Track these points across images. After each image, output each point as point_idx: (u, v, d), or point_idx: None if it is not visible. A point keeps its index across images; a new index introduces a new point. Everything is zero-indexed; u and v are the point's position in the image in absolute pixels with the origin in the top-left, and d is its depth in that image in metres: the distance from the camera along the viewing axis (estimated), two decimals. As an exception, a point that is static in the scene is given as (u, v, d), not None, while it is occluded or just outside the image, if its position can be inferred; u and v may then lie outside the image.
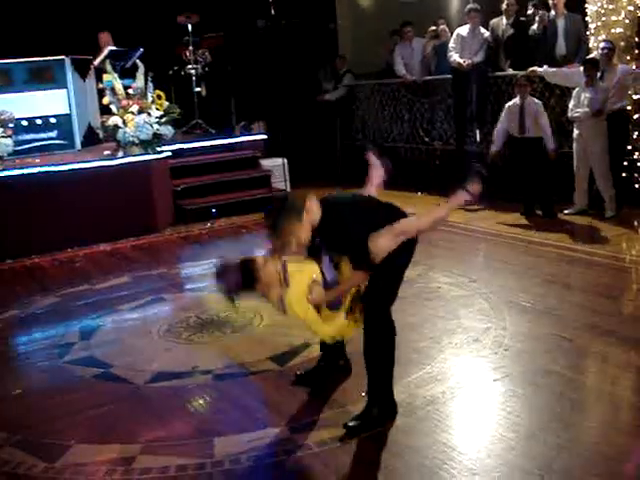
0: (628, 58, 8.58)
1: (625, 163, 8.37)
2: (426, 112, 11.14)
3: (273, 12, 12.81)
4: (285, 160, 10.86)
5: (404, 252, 3.87)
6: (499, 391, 4.24)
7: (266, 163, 10.75)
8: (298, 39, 13.01)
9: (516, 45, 9.81)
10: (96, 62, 10.44)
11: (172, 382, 4.69)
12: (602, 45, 8.26)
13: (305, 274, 3.81)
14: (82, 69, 10.14)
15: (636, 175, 8.42)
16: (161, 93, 9.39)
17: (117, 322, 6.00)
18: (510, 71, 9.71)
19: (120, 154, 9.14)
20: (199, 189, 9.98)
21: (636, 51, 8.66)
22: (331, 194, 4.06)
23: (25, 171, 8.46)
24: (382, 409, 3.95)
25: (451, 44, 10.04)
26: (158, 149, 9.30)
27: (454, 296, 5.90)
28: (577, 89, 8.19)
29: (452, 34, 10.27)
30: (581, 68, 8.21)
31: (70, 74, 9.84)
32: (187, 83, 11.45)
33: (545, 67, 8.80)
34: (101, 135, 10.06)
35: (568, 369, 4.45)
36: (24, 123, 9.57)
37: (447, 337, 5.06)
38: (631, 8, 8.55)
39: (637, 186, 8.41)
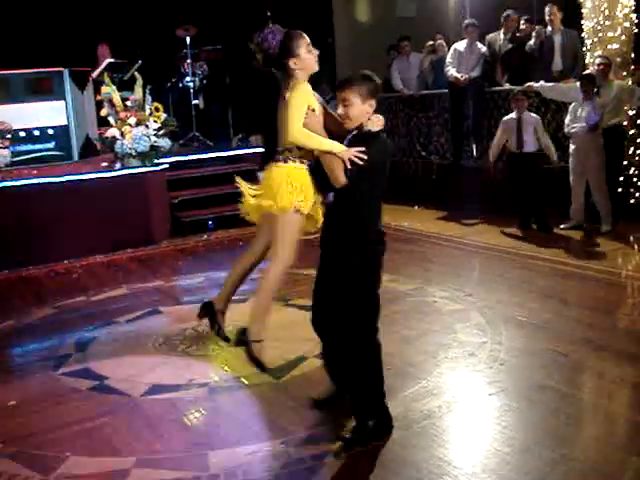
0: (624, 74, 8.64)
1: (621, 178, 8.42)
2: (423, 126, 11.19)
3: (271, 26, 12.90)
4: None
5: (368, 271, 3.85)
6: (494, 405, 4.24)
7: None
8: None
9: (513, 60, 9.87)
10: (94, 74, 10.48)
11: (168, 395, 4.68)
12: (598, 61, 8.32)
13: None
14: (80, 81, 10.16)
15: (632, 190, 8.46)
16: (159, 105, 9.41)
17: (113, 334, 5.99)
18: (507, 86, 9.76)
19: (118, 166, 9.15)
20: (196, 201, 9.99)
21: (632, 67, 8.71)
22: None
23: (22, 182, 8.46)
24: (377, 422, 3.94)
25: (448, 59, 10.09)
26: (155, 161, 9.31)
27: (450, 310, 5.90)
28: (573, 104, 8.23)
29: (449, 49, 10.33)
30: (577, 83, 8.26)
31: (68, 86, 9.87)
32: (185, 95, 11.49)
33: (541, 82, 8.86)
34: (99, 147, 10.09)
35: (563, 384, 4.46)
36: (22, 134, 9.59)
37: (443, 351, 5.07)
38: (627, 24, 8.61)
39: (633, 201, 8.45)
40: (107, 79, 9.39)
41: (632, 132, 8.50)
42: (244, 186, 4.24)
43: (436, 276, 6.92)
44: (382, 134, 3.87)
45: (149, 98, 9.33)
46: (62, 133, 9.90)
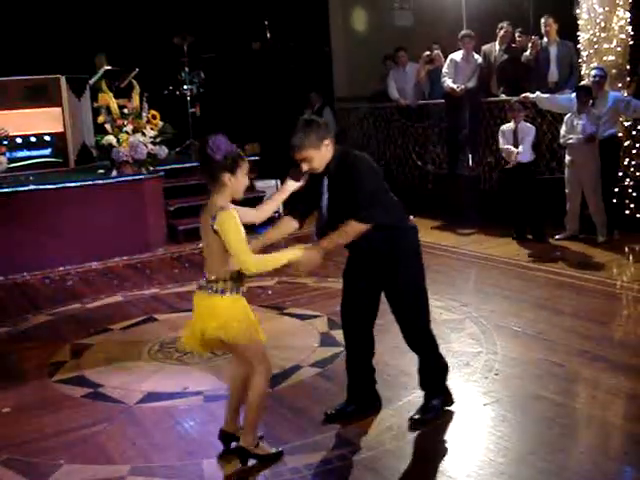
0: (620, 85, 8.66)
1: (616, 189, 8.43)
2: (419, 136, 11.21)
3: (268, 35, 12.93)
4: (279, 182, 10.90)
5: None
6: (489, 415, 4.24)
7: (259, 184, 10.78)
8: (292, 62, 13.10)
9: (508, 71, 9.90)
10: (92, 81, 10.50)
11: (163, 403, 4.68)
12: (594, 72, 8.35)
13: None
14: (77, 88, 10.18)
15: (627, 201, 8.48)
16: (156, 113, 9.43)
17: (108, 341, 5.99)
18: (503, 97, 9.79)
19: (114, 173, 9.16)
20: (192, 209, 9.94)
21: (627, 78, 8.75)
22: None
23: (19, 189, 8.46)
24: (441, 400, 4.24)
25: (445, 69, 10.12)
26: (152, 169, 9.32)
27: (445, 320, 5.91)
28: (569, 115, 8.26)
29: (446, 59, 10.36)
30: (573, 95, 8.29)
31: (65, 93, 9.89)
32: (182, 103, 11.50)
33: (537, 93, 8.88)
34: (95, 154, 10.10)
35: (558, 394, 4.46)
36: (18, 140, 9.61)
37: (438, 361, 5.07)
38: (623, 36, 8.64)
39: (628, 212, 8.47)
40: (104, 86, 9.39)
41: (627, 143, 8.53)
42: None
43: (431, 286, 6.84)
44: (351, 152, 4.04)
45: (146, 106, 9.34)
46: (59, 140, 9.93)
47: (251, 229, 3.73)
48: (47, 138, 9.84)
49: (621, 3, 8.61)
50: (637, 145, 8.49)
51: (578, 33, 8.99)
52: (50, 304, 7.11)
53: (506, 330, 5.61)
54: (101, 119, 9.36)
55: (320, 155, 3.92)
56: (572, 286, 6.74)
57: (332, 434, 4.08)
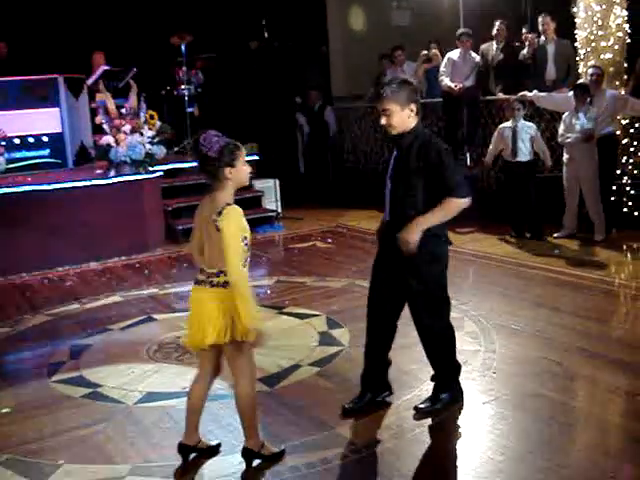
0: (617, 83, 8.68)
1: (614, 187, 8.45)
2: (417, 135, 11.19)
3: (266, 34, 12.94)
4: (277, 181, 10.91)
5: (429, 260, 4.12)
6: (488, 414, 4.25)
7: (258, 184, 10.77)
8: (290, 61, 13.10)
9: (506, 70, 9.91)
10: (89, 81, 10.49)
11: (162, 403, 4.68)
12: (591, 71, 8.35)
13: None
14: (75, 88, 10.17)
15: (625, 199, 8.50)
16: (154, 113, 9.42)
17: (107, 342, 5.99)
18: (501, 95, 9.80)
19: (112, 173, 9.14)
20: (191, 209, 9.92)
21: (625, 77, 8.76)
22: None
23: (17, 189, 8.45)
24: (450, 395, 4.26)
25: (442, 68, 10.13)
26: (150, 169, 9.31)
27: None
28: (566, 114, 8.27)
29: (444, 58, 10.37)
30: (571, 93, 8.30)
31: (63, 93, 9.87)
32: (180, 103, 11.50)
33: (535, 92, 8.89)
34: (93, 154, 10.08)
35: (557, 392, 4.47)
36: (16, 141, 9.59)
37: (437, 359, 5.07)
38: (620, 34, 8.66)
39: (626, 210, 8.48)
40: (102, 86, 9.39)
41: (625, 141, 8.54)
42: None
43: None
44: (432, 135, 4.16)
45: (144, 106, 9.33)
46: (57, 140, 9.90)
47: (251, 229, 3.72)
48: (45, 138, 9.82)
49: (618, 1, 8.64)
50: (635, 143, 8.52)
51: (575, 31, 9.00)
52: (49, 304, 7.10)
53: (505, 328, 5.61)
54: (98, 120, 9.36)
55: (401, 115, 3.98)
56: (570, 284, 6.75)
57: (331, 433, 4.08)
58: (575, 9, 8.98)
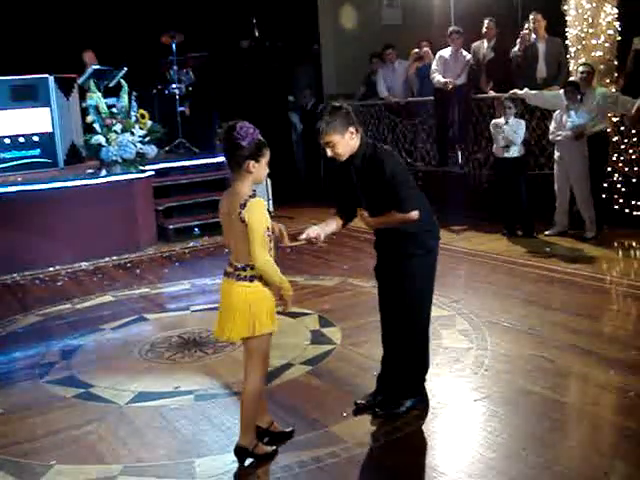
0: (608, 81, 8.70)
1: (605, 184, 8.47)
2: (408, 133, 11.23)
3: (257, 33, 12.91)
4: (268, 179, 10.89)
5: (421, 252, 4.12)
6: (480, 411, 4.25)
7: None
8: (282, 60, 13.09)
9: (497, 68, 9.92)
10: (80, 81, 10.46)
11: (154, 402, 4.67)
12: (582, 69, 8.36)
13: None
14: (66, 87, 10.14)
15: (616, 196, 8.52)
16: (145, 112, 9.41)
17: (98, 342, 5.98)
18: (492, 93, 9.81)
19: (103, 173, 9.13)
20: (182, 208, 10.00)
21: (615, 74, 8.78)
22: None
23: (7, 189, 8.43)
24: (413, 402, 4.24)
25: (434, 66, 10.13)
26: (141, 168, 9.30)
27: (435, 316, 5.85)
28: (557, 111, 8.29)
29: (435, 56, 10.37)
30: (561, 91, 8.31)
31: (54, 92, 9.84)
32: (171, 102, 11.48)
33: (526, 89, 8.90)
34: (84, 154, 10.06)
35: (549, 389, 4.48)
36: (7, 141, 9.56)
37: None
38: (611, 32, 8.68)
39: (617, 207, 8.50)
40: (92, 86, 9.36)
41: (616, 139, 8.57)
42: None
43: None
44: (379, 146, 4.12)
45: (135, 105, 9.32)
46: (47, 140, 9.87)
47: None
48: (36, 138, 9.79)
49: (609, -1, 8.65)
50: (625, 140, 8.53)
51: (566, 29, 9.02)
52: (40, 305, 7.08)
53: (496, 326, 5.62)
54: (89, 119, 9.34)
55: (344, 142, 3.98)
56: (562, 281, 6.76)
57: (323, 431, 4.08)
58: (566, 7, 8.99)
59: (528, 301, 6.21)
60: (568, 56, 9.05)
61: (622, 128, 8.55)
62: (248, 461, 3.78)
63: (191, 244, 9.40)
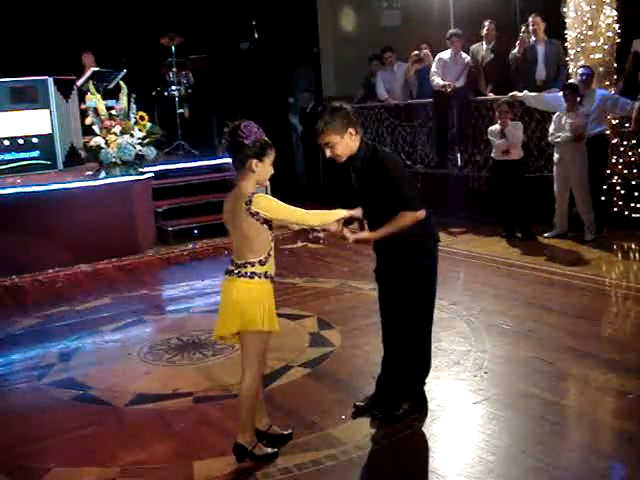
0: (607, 83, 8.70)
1: (604, 187, 8.47)
2: (408, 135, 11.22)
3: (256, 35, 12.91)
4: (268, 182, 10.87)
5: (422, 255, 4.11)
6: (479, 414, 4.25)
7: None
8: (281, 62, 13.09)
9: (496, 70, 9.92)
10: (79, 82, 10.46)
11: (152, 404, 4.67)
12: (581, 71, 8.37)
13: None
14: (65, 89, 10.13)
15: (615, 199, 8.52)
16: (144, 114, 9.40)
17: (97, 344, 5.97)
18: (491, 96, 9.80)
19: (102, 175, 9.12)
20: (181, 210, 9.99)
21: (615, 76, 8.79)
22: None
23: (6, 191, 8.42)
24: (411, 406, 4.20)
25: (433, 68, 10.14)
26: (140, 170, 9.29)
27: (434, 319, 5.87)
28: (557, 114, 8.28)
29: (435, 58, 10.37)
30: (561, 93, 8.31)
31: (53, 94, 9.84)
32: (170, 104, 11.48)
33: (525, 92, 8.90)
34: (83, 155, 10.06)
35: (548, 392, 4.47)
36: (6, 143, 9.56)
37: (428, 360, 5.07)
38: (610, 34, 8.68)
39: (616, 210, 8.50)
40: (92, 88, 9.36)
41: (615, 141, 8.56)
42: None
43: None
44: (379, 148, 4.13)
45: (134, 107, 9.31)
46: (46, 142, 9.87)
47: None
48: (35, 140, 9.78)
49: (608, 1, 8.66)
50: (625, 143, 8.53)
51: (565, 31, 9.02)
52: (39, 307, 7.08)
53: (495, 328, 5.62)
54: (88, 121, 9.33)
55: (343, 143, 3.97)
56: (561, 284, 6.76)
57: (322, 434, 4.08)
58: (565, 9, 9.00)
59: (527, 303, 6.21)
60: (567, 58, 9.05)
61: (621, 130, 8.54)
62: (247, 463, 3.77)
63: (190, 246, 9.39)
